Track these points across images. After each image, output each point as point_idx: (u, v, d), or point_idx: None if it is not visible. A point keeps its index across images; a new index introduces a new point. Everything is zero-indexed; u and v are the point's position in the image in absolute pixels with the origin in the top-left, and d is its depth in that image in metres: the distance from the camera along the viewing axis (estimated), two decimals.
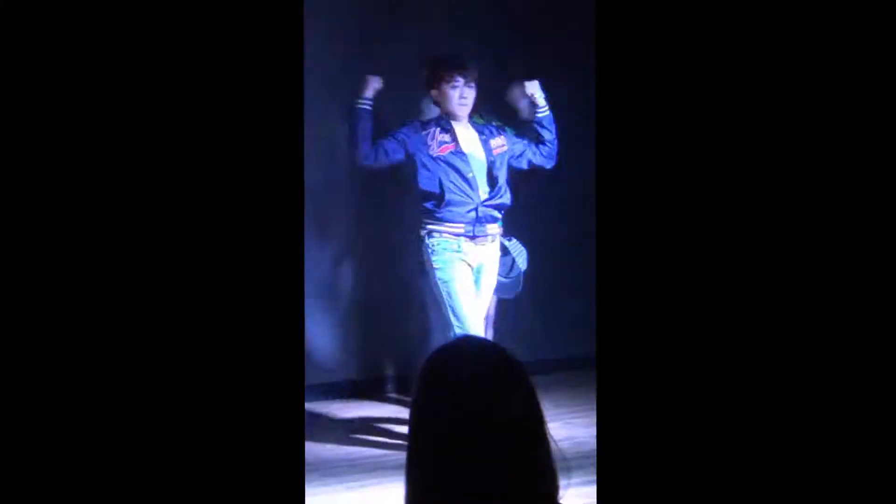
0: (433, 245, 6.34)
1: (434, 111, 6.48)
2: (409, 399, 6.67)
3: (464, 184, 6.28)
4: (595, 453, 6.30)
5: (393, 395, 7.60)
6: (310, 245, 5.96)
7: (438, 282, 6.32)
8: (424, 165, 6.30)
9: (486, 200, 6.33)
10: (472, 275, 6.37)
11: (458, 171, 6.28)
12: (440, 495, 2.10)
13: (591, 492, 5.71)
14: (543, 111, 6.41)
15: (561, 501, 2.15)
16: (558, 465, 2.15)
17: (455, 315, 6.29)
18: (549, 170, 6.53)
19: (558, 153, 6.46)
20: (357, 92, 6.25)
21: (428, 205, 6.33)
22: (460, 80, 6.23)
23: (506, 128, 6.58)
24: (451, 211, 6.30)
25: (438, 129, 6.32)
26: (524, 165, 6.50)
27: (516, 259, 6.57)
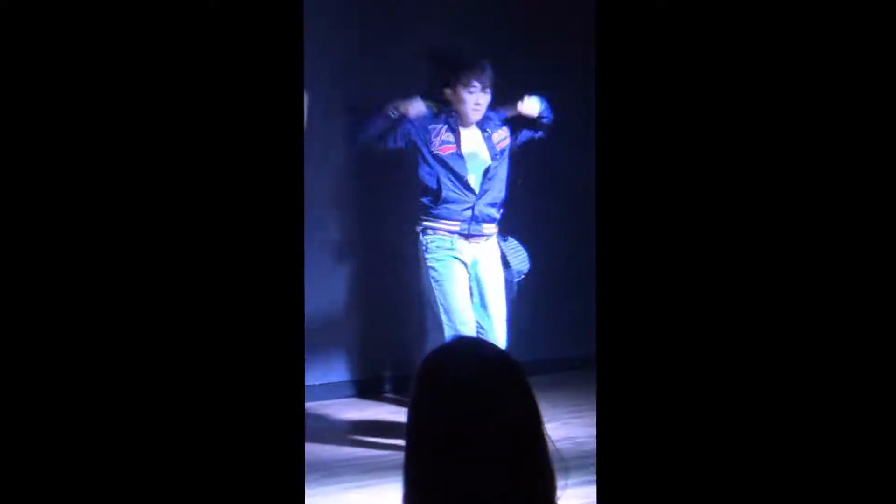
0: (427, 243, 6.35)
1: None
2: (406, 399, 6.68)
3: (460, 184, 6.29)
4: (593, 453, 6.33)
5: (390, 396, 7.60)
6: (307, 245, 5.95)
7: (431, 280, 6.33)
8: (425, 160, 6.31)
9: (481, 196, 6.33)
10: (466, 273, 6.36)
11: (455, 172, 6.29)
12: (438, 496, 2.10)
13: (589, 492, 5.70)
14: (545, 117, 6.39)
15: (559, 502, 2.15)
16: (556, 465, 2.15)
17: (447, 314, 6.30)
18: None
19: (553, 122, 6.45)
20: (395, 102, 6.22)
21: (425, 200, 6.35)
22: (477, 86, 6.20)
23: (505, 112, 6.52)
24: (447, 208, 6.31)
25: (446, 126, 6.29)
26: (523, 140, 6.48)
27: (510, 260, 6.55)
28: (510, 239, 6.59)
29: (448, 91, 6.25)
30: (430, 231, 6.35)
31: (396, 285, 7.50)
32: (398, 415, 7.05)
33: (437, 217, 6.34)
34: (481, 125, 6.35)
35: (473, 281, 6.40)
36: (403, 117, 6.22)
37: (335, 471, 6.12)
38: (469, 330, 6.27)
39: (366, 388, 7.61)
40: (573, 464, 2.21)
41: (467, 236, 6.35)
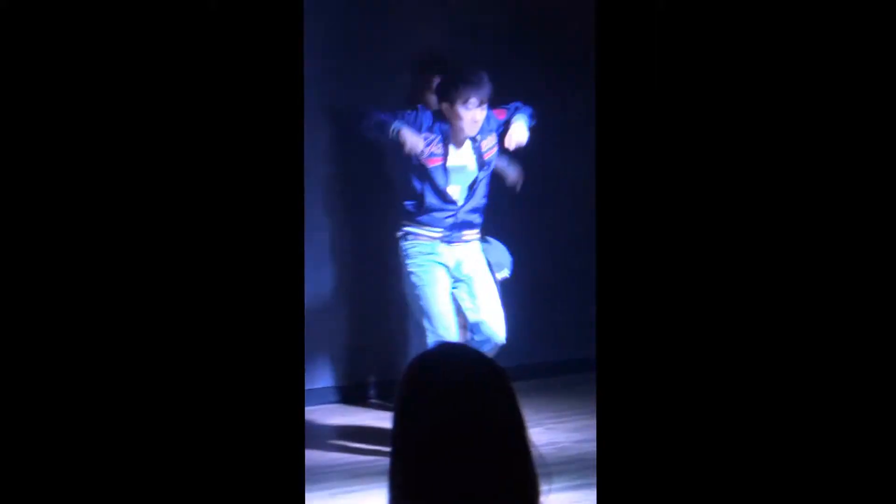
0: (408, 248, 6.34)
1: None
2: (390, 405, 6.67)
3: (441, 197, 6.26)
4: (576, 458, 6.35)
5: (375, 401, 7.58)
6: None
7: (412, 286, 6.32)
8: (413, 167, 6.28)
9: (464, 205, 6.31)
10: (448, 277, 6.35)
11: (437, 185, 6.25)
12: (423, 501, 2.11)
13: (573, 497, 5.74)
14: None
15: None
16: (539, 470, 2.15)
17: (428, 319, 6.28)
18: None
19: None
20: (400, 128, 6.18)
21: (409, 205, 6.33)
22: (475, 101, 6.10)
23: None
24: (429, 216, 6.30)
25: (440, 137, 6.23)
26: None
27: (492, 260, 6.54)
28: (492, 240, 6.57)
29: (445, 105, 6.16)
30: (410, 237, 6.34)
31: (379, 291, 7.48)
32: (382, 420, 7.03)
33: (419, 223, 6.33)
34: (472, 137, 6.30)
35: (461, 281, 6.38)
36: (398, 137, 6.17)
37: (320, 476, 6.10)
38: (451, 334, 6.26)
39: (350, 394, 7.59)
40: (556, 469, 2.21)
41: (449, 241, 6.34)
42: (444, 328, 6.27)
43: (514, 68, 7.20)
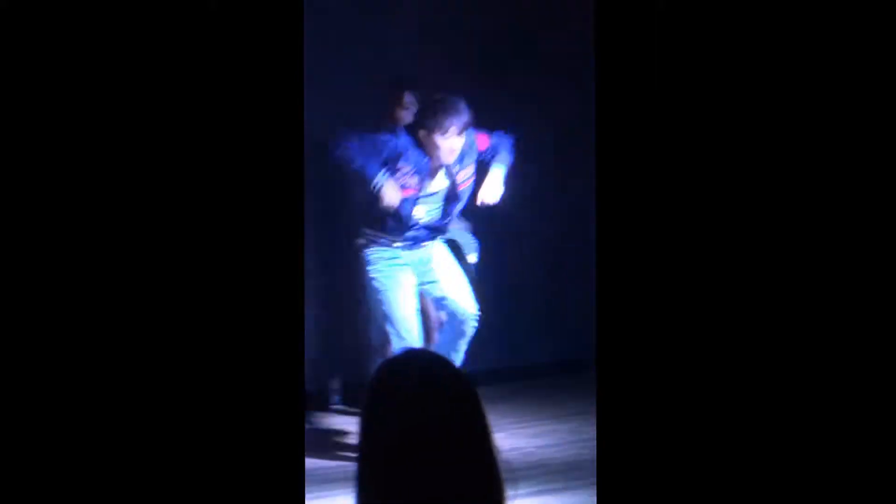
0: (369, 254, 6.30)
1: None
2: (355, 410, 6.63)
3: (406, 219, 6.20)
4: (539, 463, 6.37)
5: (338, 407, 7.56)
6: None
7: (374, 290, 6.29)
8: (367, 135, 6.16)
9: (428, 224, 6.28)
10: (412, 279, 6.32)
11: (403, 212, 6.18)
12: None
13: (537, 502, 5.75)
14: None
15: None
16: (505, 475, 2.16)
17: (391, 323, 6.26)
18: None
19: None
20: (382, 184, 6.11)
21: (370, 215, 6.27)
22: (454, 130, 5.98)
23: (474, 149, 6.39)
24: (392, 228, 6.25)
25: (414, 170, 6.10)
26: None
27: (462, 246, 6.50)
28: (454, 227, 6.54)
29: (422, 133, 6.06)
30: (372, 243, 6.30)
31: (341, 295, 7.46)
32: (347, 425, 7.02)
33: (382, 229, 6.28)
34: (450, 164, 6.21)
35: (428, 274, 6.35)
36: (377, 192, 6.11)
37: None
38: (413, 337, 6.24)
39: (312, 399, 7.55)
40: (520, 474, 2.22)
41: (410, 248, 6.32)
42: (407, 331, 6.24)
43: (515, 68, 7.21)
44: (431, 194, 6.21)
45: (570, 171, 7.35)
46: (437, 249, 6.38)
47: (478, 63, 7.23)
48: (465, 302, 6.31)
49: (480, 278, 6.75)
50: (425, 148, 6.03)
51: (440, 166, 6.11)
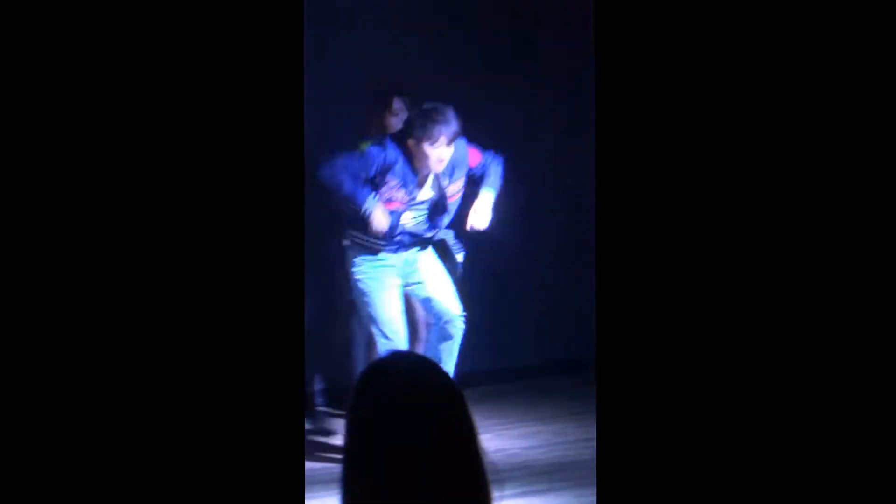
0: (353, 256, 6.28)
1: None
2: (340, 413, 6.61)
3: (392, 229, 6.18)
4: (523, 465, 6.37)
5: (322, 409, 7.53)
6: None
7: (360, 292, 6.27)
8: (353, 158, 6.12)
9: (418, 232, 6.27)
10: (397, 280, 6.31)
11: (394, 223, 6.17)
12: None
13: (523, 502, 5.75)
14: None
15: None
16: (490, 477, 2.16)
17: (376, 324, 6.24)
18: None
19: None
20: (372, 209, 6.11)
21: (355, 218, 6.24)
22: (442, 140, 5.93)
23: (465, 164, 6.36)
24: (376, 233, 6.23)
25: (400, 182, 6.06)
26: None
27: (450, 246, 6.48)
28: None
29: (411, 142, 6.01)
30: (357, 245, 6.27)
31: (325, 296, 7.43)
32: (330, 427, 6.99)
33: (367, 232, 6.25)
34: (442, 174, 6.19)
35: (413, 275, 6.33)
36: (367, 218, 6.10)
37: None
38: (399, 338, 6.22)
39: None
40: (505, 475, 2.21)
41: (395, 251, 6.30)
42: (393, 332, 6.22)
43: (514, 68, 7.19)
44: (419, 203, 6.19)
45: (570, 170, 7.35)
46: (422, 251, 6.37)
47: (477, 63, 7.20)
48: (449, 303, 6.29)
49: (467, 278, 6.73)
50: (414, 157, 6.00)
51: (428, 175, 6.09)
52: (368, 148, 6.07)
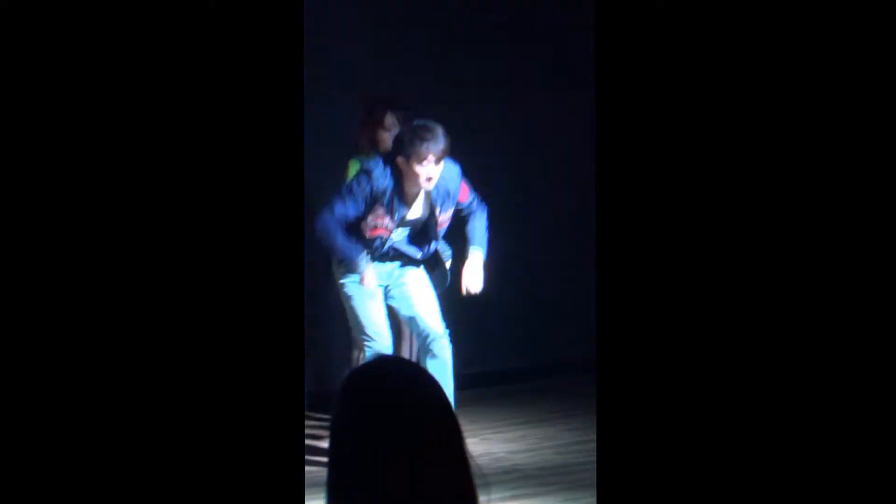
0: (338, 262, 6.27)
1: None
2: (325, 416, 6.60)
3: (379, 247, 6.19)
4: (512, 469, 6.37)
5: (307, 413, 7.51)
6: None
7: (345, 297, 6.27)
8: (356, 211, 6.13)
9: (404, 252, 6.27)
10: (382, 288, 6.30)
11: (375, 246, 6.16)
12: None
13: None
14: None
15: None
16: (477, 481, 2.15)
17: (362, 329, 6.24)
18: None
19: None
20: (362, 266, 6.09)
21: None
22: (431, 158, 5.89)
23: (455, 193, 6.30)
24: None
25: (384, 210, 6.04)
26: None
27: (441, 253, 6.47)
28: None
29: (400, 160, 5.97)
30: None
31: (309, 300, 7.41)
32: (315, 430, 6.97)
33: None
34: (432, 201, 6.20)
35: (398, 283, 6.32)
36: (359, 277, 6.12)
37: None
38: (384, 339, 6.23)
39: None
40: (492, 479, 2.21)
41: (381, 260, 6.29)
42: (377, 334, 6.23)
43: (514, 68, 7.18)
44: (407, 222, 6.19)
45: (570, 170, 7.36)
46: (409, 266, 6.37)
47: (477, 63, 7.19)
48: (433, 322, 6.28)
49: (452, 282, 6.72)
50: (404, 176, 5.99)
51: (418, 193, 6.08)
52: (356, 180, 6.05)
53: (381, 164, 6.03)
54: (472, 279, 6.21)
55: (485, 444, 6.75)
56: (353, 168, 6.46)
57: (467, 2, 7.66)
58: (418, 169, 5.89)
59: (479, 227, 6.25)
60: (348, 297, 6.27)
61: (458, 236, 6.46)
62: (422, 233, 6.21)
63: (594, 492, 3.79)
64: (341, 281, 6.25)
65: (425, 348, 6.25)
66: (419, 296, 6.30)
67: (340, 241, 6.06)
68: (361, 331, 6.24)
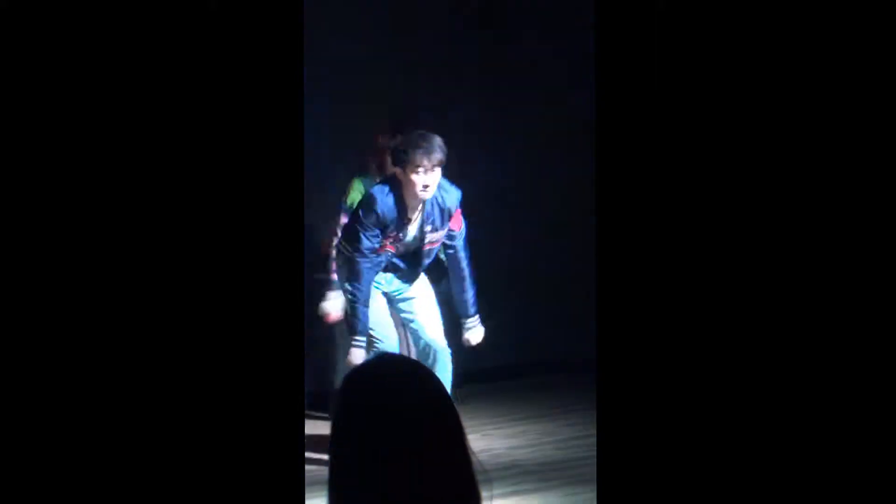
0: (342, 264, 6.26)
1: None
2: (325, 416, 6.59)
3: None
4: (512, 465, 6.37)
5: (307, 412, 7.51)
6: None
7: (348, 299, 6.27)
8: (363, 231, 6.14)
9: (400, 265, 6.28)
10: (386, 291, 6.31)
11: (379, 261, 6.18)
12: None
13: (511, 502, 5.75)
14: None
15: None
16: (479, 477, 2.16)
17: (363, 331, 6.24)
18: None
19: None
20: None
21: (349, 226, 6.22)
22: (426, 165, 5.91)
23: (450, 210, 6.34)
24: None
25: (396, 233, 6.09)
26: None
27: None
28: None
29: (398, 170, 6.01)
30: (346, 259, 6.23)
31: (309, 300, 7.41)
32: (317, 430, 6.97)
33: (358, 251, 6.23)
34: (424, 217, 6.19)
35: (400, 301, 6.34)
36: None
37: None
38: (392, 340, 6.24)
39: None
40: (493, 475, 2.21)
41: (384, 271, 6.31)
42: (384, 336, 6.25)
43: (514, 68, 7.18)
44: (407, 240, 6.20)
45: (569, 170, 7.36)
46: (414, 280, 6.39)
47: (477, 63, 7.20)
48: (434, 335, 6.30)
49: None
50: (403, 187, 6.01)
51: (417, 205, 6.07)
52: (364, 213, 6.06)
53: (384, 189, 6.06)
54: (474, 338, 6.34)
55: (485, 439, 6.76)
56: (356, 187, 6.50)
57: (467, 2, 7.67)
58: (414, 177, 5.90)
59: (468, 294, 6.31)
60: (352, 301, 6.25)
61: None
62: (413, 253, 6.23)
63: (594, 487, 3.80)
64: (346, 286, 6.24)
65: (426, 362, 6.25)
66: (423, 309, 6.33)
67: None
68: (366, 331, 6.22)
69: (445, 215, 6.13)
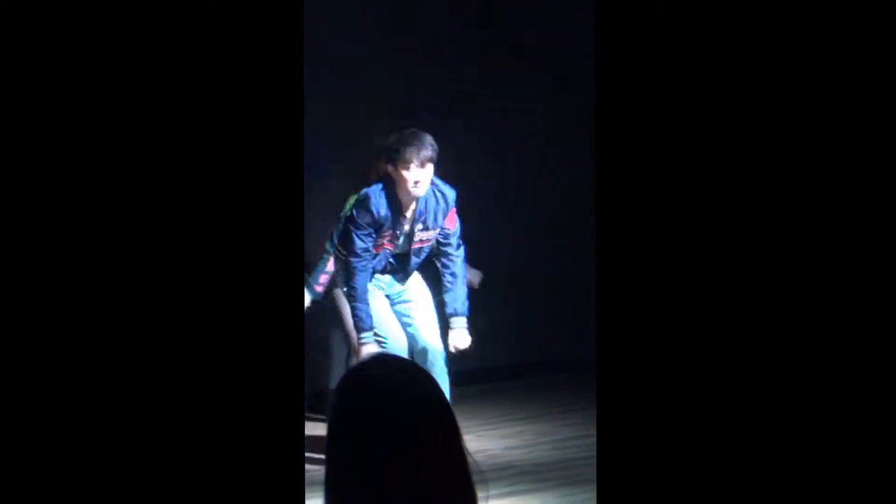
0: (338, 266, 6.27)
1: None
2: (321, 416, 6.61)
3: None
4: (507, 465, 6.37)
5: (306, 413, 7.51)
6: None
7: (348, 300, 6.28)
8: (361, 231, 6.15)
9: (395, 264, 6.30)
10: (384, 291, 6.32)
11: (379, 259, 6.20)
12: None
13: (507, 503, 5.76)
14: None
15: None
16: (476, 478, 2.16)
17: (356, 326, 6.24)
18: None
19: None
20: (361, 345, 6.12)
21: (345, 227, 6.22)
22: (416, 163, 5.97)
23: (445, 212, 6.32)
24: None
25: (393, 230, 6.13)
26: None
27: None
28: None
29: (390, 168, 6.05)
30: (343, 263, 6.23)
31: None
32: (314, 430, 6.97)
33: (354, 255, 6.24)
34: (420, 214, 6.18)
35: (398, 303, 6.35)
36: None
37: None
38: (395, 339, 6.24)
39: None
40: (489, 476, 2.21)
41: (381, 272, 6.32)
42: (391, 337, 6.25)
43: (514, 68, 7.19)
44: (401, 239, 6.22)
45: (569, 170, 7.37)
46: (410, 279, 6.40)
47: (477, 63, 7.21)
48: (431, 339, 6.32)
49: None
50: (396, 185, 6.05)
51: (410, 203, 6.09)
52: (359, 214, 6.08)
53: (378, 188, 6.09)
54: (460, 342, 6.34)
55: (481, 440, 6.76)
56: (352, 201, 6.50)
57: (467, 1, 7.69)
58: (405, 173, 5.94)
59: (459, 292, 6.33)
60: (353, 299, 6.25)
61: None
62: (403, 251, 6.24)
63: (591, 487, 3.80)
64: (344, 288, 6.25)
65: (423, 364, 6.26)
66: (420, 313, 6.35)
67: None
68: (371, 327, 6.22)
69: (440, 214, 6.16)
